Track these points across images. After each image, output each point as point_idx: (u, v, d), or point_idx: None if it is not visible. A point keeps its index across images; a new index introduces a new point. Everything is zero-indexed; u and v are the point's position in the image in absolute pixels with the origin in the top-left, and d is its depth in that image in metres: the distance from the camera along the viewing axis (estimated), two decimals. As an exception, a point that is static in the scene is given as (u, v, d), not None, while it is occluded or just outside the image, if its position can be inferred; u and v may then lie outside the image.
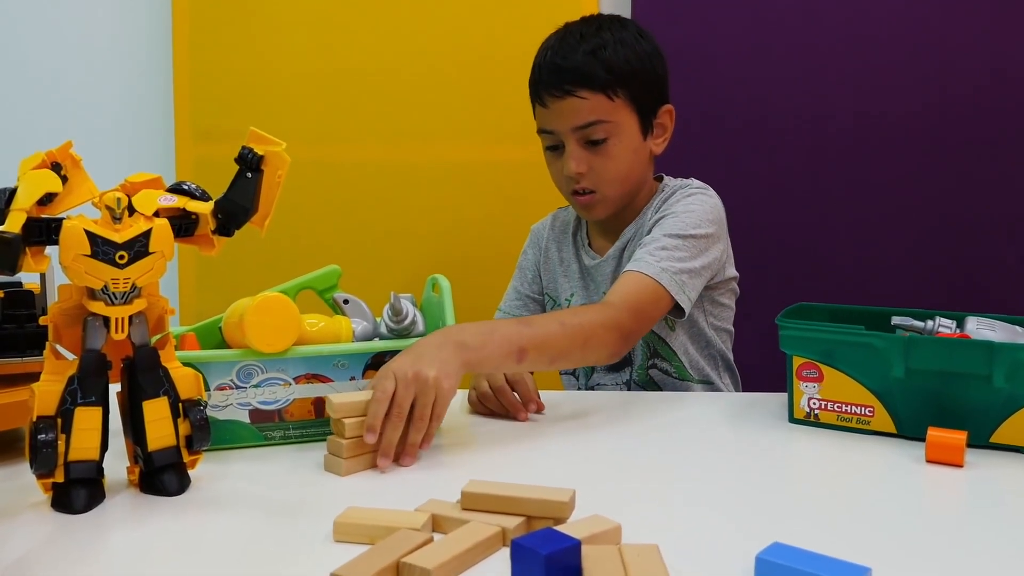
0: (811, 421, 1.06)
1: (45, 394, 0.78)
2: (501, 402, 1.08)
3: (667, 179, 1.38)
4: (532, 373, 1.12)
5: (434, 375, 0.91)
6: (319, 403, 0.98)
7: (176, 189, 0.83)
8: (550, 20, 1.71)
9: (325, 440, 0.92)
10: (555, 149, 1.31)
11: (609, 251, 1.35)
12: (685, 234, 1.22)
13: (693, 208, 1.26)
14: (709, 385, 1.35)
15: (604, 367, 1.36)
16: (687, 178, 1.37)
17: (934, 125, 1.68)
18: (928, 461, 0.92)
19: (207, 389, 0.93)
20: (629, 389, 1.34)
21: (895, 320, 1.08)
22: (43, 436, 0.76)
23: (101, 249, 0.76)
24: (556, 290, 1.41)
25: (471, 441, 1.02)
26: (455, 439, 1.01)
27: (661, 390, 1.32)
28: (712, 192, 1.32)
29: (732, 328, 1.39)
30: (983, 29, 1.65)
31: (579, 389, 1.40)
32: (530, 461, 0.93)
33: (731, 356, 1.39)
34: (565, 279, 1.40)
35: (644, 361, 1.32)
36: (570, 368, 1.08)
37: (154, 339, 0.83)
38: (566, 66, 1.26)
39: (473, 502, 0.75)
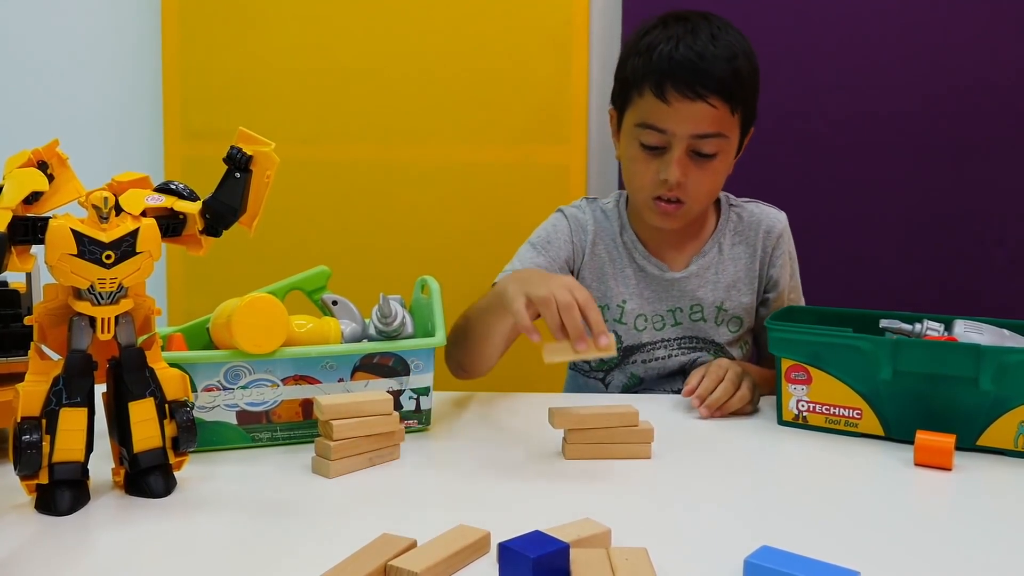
0: (799, 423, 1.06)
1: (30, 395, 0.77)
2: (564, 321, 0.91)
3: (723, 194, 1.35)
4: None
5: None
6: (307, 405, 0.98)
7: (164, 189, 0.82)
8: (541, 22, 1.72)
9: (313, 442, 0.91)
10: (653, 149, 1.20)
11: (691, 267, 1.30)
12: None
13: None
14: None
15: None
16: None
17: (925, 126, 1.68)
18: (916, 464, 0.92)
19: (194, 390, 0.92)
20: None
21: (883, 323, 1.08)
22: (27, 437, 0.75)
23: (88, 248, 0.76)
24: (606, 292, 1.30)
25: (461, 443, 1.01)
26: (447, 441, 1.01)
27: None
28: (784, 216, 1.36)
29: None
30: (975, 30, 1.65)
31: (589, 378, 1.37)
32: (522, 464, 0.93)
33: None
34: (616, 283, 1.30)
35: None
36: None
37: (140, 339, 0.82)
38: (705, 67, 1.15)
39: None
